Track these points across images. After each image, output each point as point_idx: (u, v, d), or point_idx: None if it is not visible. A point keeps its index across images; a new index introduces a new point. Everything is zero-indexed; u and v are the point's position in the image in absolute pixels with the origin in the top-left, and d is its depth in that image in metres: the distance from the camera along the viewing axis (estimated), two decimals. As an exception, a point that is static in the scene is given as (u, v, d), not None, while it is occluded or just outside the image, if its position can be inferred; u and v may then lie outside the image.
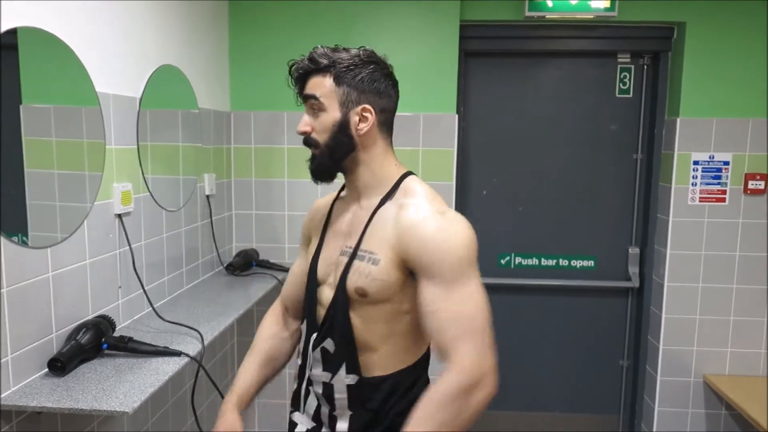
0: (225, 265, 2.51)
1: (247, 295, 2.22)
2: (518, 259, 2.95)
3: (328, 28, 2.63)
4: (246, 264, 2.53)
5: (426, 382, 1.24)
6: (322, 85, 1.15)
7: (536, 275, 2.95)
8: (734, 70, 2.55)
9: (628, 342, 2.98)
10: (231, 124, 2.71)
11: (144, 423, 1.98)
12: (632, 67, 2.79)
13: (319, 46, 1.18)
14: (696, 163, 2.61)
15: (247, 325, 2.85)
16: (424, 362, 1.25)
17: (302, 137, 1.20)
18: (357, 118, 1.15)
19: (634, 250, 2.90)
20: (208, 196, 2.43)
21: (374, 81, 1.15)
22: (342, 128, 1.15)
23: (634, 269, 2.90)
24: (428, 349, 1.26)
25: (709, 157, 2.61)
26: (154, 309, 1.85)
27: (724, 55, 2.54)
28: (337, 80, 1.14)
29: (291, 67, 1.21)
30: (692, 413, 2.77)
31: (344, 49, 1.17)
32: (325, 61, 1.15)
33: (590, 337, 2.99)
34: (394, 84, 1.19)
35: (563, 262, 2.95)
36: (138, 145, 1.85)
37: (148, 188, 1.93)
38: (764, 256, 2.64)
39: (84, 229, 1.58)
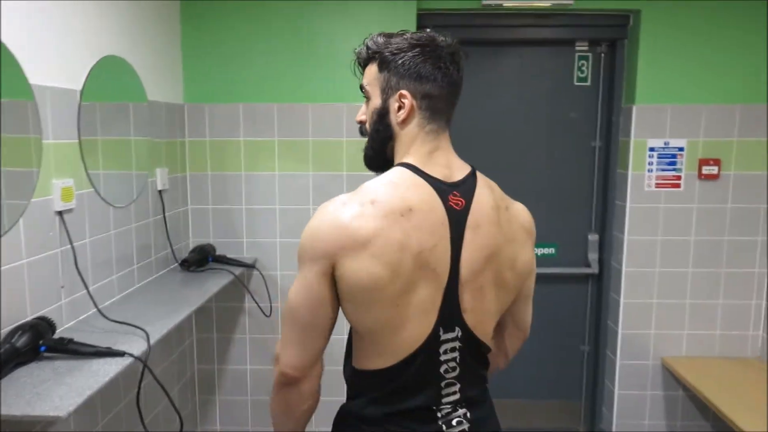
0: (180, 261, 2.46)
1: (201, 291, 2.17)
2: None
3: (284, 19, 2.58)
4: (202, 259, 2.48)
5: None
6: (368, 73, 1.13)
7: (498, 264, 2.95)
8: (688, 57, 2.57)
9: (589, 327, 3.02)
10: (185, 117, 2.64)
11: (94, 425, 1.92)
12: (590, 55, 2.80)
13: (375, 33, 1.12)
14: (652, 149, 2.64)
15: (206, 322, 2.80)
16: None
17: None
18: (396, 105, 1.09)
19: (593, 237, 2.93)
20: (160, 191, 2.37)
21: (416, 65, 1.05)
22: (381, 116, 1.12)
23: (593, 256, 2.93)
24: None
25: (664, 144, 2.63)
26: (98, 309, 1.79)
27: (678, 42, 2.56)
28: (380, 66, 1.10)
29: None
30: (651, 395, 2.82)
31: (399, 33, 1.10)
32: (373, 48, 1.11)
33: (551, 323, 3.01)
34: (443, 66, 1.06)
35: (525, 251, 2.95)
36: (80, 139, 1.79)
37: (92, 184, 1.86)
38: (718, 240, 2.68)
39: (19, 227, 1.52)
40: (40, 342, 1.48)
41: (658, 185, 2.66)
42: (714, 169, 2.61)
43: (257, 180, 2.67)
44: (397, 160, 1.12)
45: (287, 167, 2.65)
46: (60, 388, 1.33)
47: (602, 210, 2.90)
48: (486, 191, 1.11)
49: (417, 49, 1.06)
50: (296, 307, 1.07)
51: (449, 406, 1.11)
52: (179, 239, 2.60)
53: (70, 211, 1.74)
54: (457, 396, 1.12)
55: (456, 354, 1.09)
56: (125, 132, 2.11)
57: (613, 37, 2.72)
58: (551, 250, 2.96)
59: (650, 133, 2.63)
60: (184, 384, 2.72)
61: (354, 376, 1.15)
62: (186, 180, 2.67)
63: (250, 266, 2.60)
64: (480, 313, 1.10)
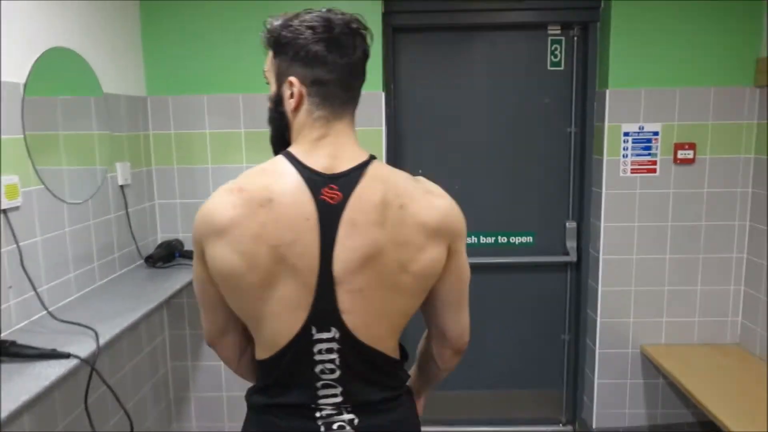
0: (145, 257, 2.41)
1: (164, 287, 2.12)
2: (457, 238, 2.90)
3: (247, 6, 2.50)
4: (168, 255, 2.44)
5: None
6: (268, 59, 1.07)
7: (475, 254, 2.91)
8: (661, 39, 2.51)
9: (569, 316, 2.98)
10: (148, 110, 2.58)
11: (53, 426, 1.88)
12: (563, 39, 2.74)
13: (275, 16, 1.04)
14: (626, 134, 2.59)
15: (178, 318, 2.76)
16: None
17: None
18: (288, 93, 1.03)
19: (571, 225, 2.88)
20: (122, 186, 2.31)
21: (306, 48, 0.99)
22: (276, 104, 1.07)
23: (571, 243, 2.88)
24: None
25: (639, 128, 2.58)
26: (47, 309, 1.74)
27: (650, 24, 2.50)
28: (275, 52, 1.04)
29: None
30: (630, 384, 2.79)
31: (297, 14, 1.02)
32: (268, 32, 1.04)
33: (531, 313, 2.98)
34: (336, 48, 0.99)
35: (502, 239, 2.92)
36: (25, 134, 1.73)
37: (41, 180, 1.81)
38: (695, 225, 2.64)
39: (-43, 227, 1.47)
40: (-20, 346, 1.43)
41: (633, 171, 2.61)
42: (689, 153, 2.57)
43: (225, 173, 2.61)
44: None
45: (255, 159, 2.59)
46: (-5, 394, 1.28)
47: (579, 197, 2.86)
48: (375, 185, 0.99)
49: (309, 32, 0.99)
50: (194, 285, 1.14)
51: (330, 408, 1.06)
52: (146, 235, 2.55)
53: (15, 209, 1.68)
54: (338, 399, 1.06)
55: (334, 356, 1.02)
56: (78, 126, 2.05)
57: (586, 20, 2.66)
58: (529, 239, 2.92)
59: (624, 117, 2.58)
60: (158, 380, 2.67)
61: (255, 364, 1.14)
62: (152, 174, 2.61)
63: (219, 261, 2.55)
64: (363, 315, 1.01)
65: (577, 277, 2.93)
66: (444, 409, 3.02)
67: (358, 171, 1.00)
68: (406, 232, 0.99)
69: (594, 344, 2.79)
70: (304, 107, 1.03)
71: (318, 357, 1.02)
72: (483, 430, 3.04)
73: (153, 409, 2.61)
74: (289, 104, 1.03)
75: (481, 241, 2.92)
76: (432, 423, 2.98)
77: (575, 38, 2.73)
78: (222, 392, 2.82)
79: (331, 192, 0.98)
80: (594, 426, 2.83)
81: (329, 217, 0.97)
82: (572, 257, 2.87)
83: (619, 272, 2.69)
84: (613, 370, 2.79)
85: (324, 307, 0.99)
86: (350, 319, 1.00)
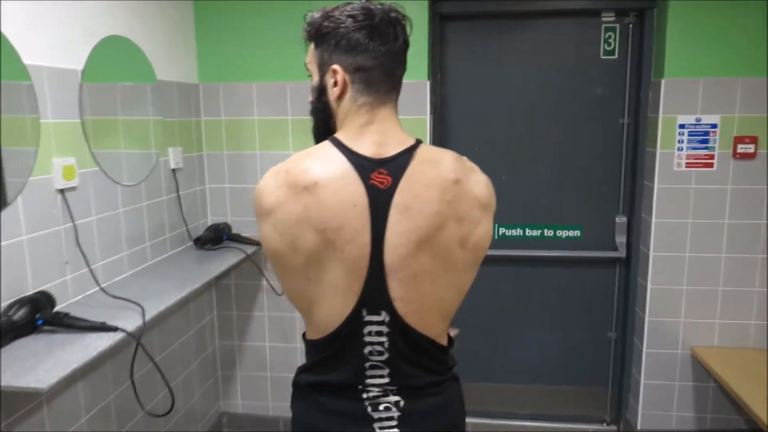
0: (194, 239, 2.50)
1: (211, 269, 2.20)
2: (502, 230, 2.87)
3: (296, -5, 2.54)
4: (216, 238, 2.52)
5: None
6: (309, 51, 1.11)
7: (521, 246, 2.87)
8: (722, 26, 2.38)
9: (616, 314, 2.90)
10: (199, 97, 2.66)
11: (106, 396, 1.99)
12: (617, 26, 2.64)
13: (315, 10, 1.08)
14: (682, 126, 2.48)
15: (226, 299, 2.85)
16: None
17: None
18: (332, 81, 1.05)
19: (621, 219, 2.79)
20: (174, 170, 2.41)
21: (347, 37, 1.02)
22: (319, 94, 1.09)
23: (621, 239, 2.80)
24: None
25: (696, 120, 2.47)
26: (99, 285, 1.84)
27: (710, 10, 2.37)
28: (316, 43, 1.08)
29: None
30: (679, 386, 2.69)
31: (338, 7, 1.05)
32: (309, 25, 1.08)
33: (578, 308, 2.91)
34: (377, 36, 1.02)
35: (548, 233, 2.86)
36: (82, 119, 1.83)
37: (97, 163, 1.90)
38: (755, 223, 2.50)
39: (18, 205, 1.57)
40: (37, 316, 1.53)
41: (688, 165, 2.50)
42: (750, 148, 2.43)
43: (272, 158, 2.67)
44: None
45: (301, 145, 2.62)
46: (48, 362, 1.37)
47: (631, 191, 2.76)
48: (425, 167, 1.01)
49: (350, 20, 1.02)
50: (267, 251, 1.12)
51: (377, 389, 1.07)
52: (197, 218, 2.64)
53: (72, 189, 1.78)
54: (385, 380, 1.06)
55: (383, 338, 1.04)
56: (133, 112, 2.15)
57: (642, 7, 2.55)
58: (576, 233, 2.85)
59: (681, 108, 2.46)
60: (206, 358, 2.78)
61: (304, 341, 1.16)
62: (202, 159, 2.70)
63: (264, 245, 2.61)
64: (415, 301, 1.02)
65: (626, 273, 2.84)
66: (487, 402, 3.01)
67: (407, 155, 1.02)
68: (465, 207, 1.02)
69: (641, 343, 2.70)
70: (348, 94, 1.05)
71: (367, 339, 1.04)
72: (525, 425, 3.00)
73: (201, 385, 2.72)
74: (333, 93, 1.06)
75: (527, 234, 2.87)
76: (475, 415, 2.97)
77: (630, 25, 2.63)
78: (267, 372, 2.90)
79: (380, 177, 0.99)
80: (639, 427, 2.75)
81: (379, 203, 0.98)
82: (621, 253, 2.79)
83: (670, 270, 2.59)
84: (660, 371, 2.69)
85: (374, 293, 1.01)
86: (401, 306, 1.02)
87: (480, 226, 1.05)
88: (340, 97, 1.06)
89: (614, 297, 2.89)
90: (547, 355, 2.96)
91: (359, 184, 0.99)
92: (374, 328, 1.03)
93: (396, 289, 1.01)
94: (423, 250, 1.00)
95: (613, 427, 2.97)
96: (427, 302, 1.04)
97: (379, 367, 1.06)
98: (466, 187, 1.03)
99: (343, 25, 1.02)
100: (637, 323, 2.77)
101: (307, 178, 0.99)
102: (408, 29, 1.07)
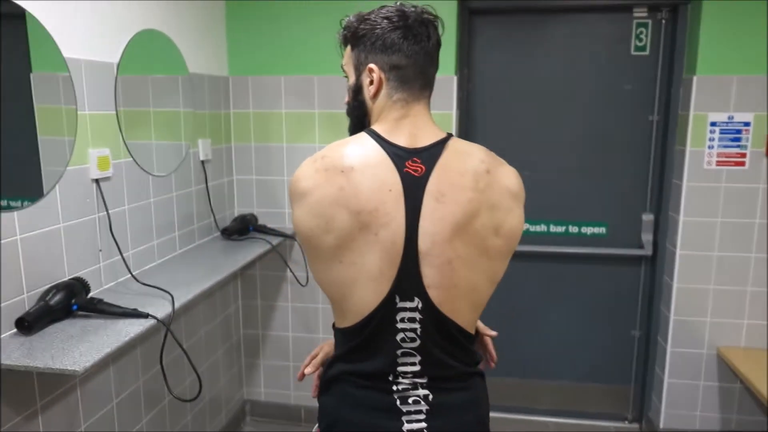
0: (221, 229, 2.55)
1: (237, 259, 2.24)
2: (526, 226, 2.87)
3: (325, -12, 2.56)
4: (243, 229, 2.56)
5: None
6: (346, 53, 1.16)
7: (545, 242, 2.87)
8: (757, 23, 2.33)
9: (641, 312, 2.87)
10: (229, 90, 2.70)
11: (135, 380, 2.05)
12: (649, 22, 2.61)
13: (352, 14, 1.13)
14: (713, 124, 2.44)
15: (251, 289, 2.90)
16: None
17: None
18: (368, 80, 1.11)
19: (647, 217, 2.76)
20: (203, 162, 2.45)
21: (382, 37, 1.07)
22: (356, 93, 1.14)
23: (647, 237, 2.77)
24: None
25: (728, 118, 2.42)
26: (130, 272, 1.89)
27: (746, 6, 2.33)
28: (353, 45, 1.13)
29: None
30: (704, 386, 2.67)
31: (373, 11, 1.11)
32: (346, 28, 1.14)
33: (602, 306, 2.90)
34: (410, 36, 1.07)
35: (573, 229, 2.85)
36: (117, 110, 1.87)
37: (130, 153, 1.95)
38: (787, 223, 2.46)
39: (56, 193, 1.62)
40: (72, 301, 1.58)
41: (719, 163, 2.46)
42: (784, 146, 2.39)
43: (299, 151, 2.70)
44: None
45: (327, 139, 2.66)
46: (83, 345, 1.42)
47: (659, 189, 2.73)
48: (457, 156, 1.05)
49: (385, 22, 1.07)
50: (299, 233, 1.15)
51: (407, 381, 1.08)
52: (224, 209, 2.69)
53: (107, 179, 1.83)
54: (416, 368, 1.08)
55: (416, 325, 1.05)
56: (165, 104, 2.19)
57: (675, 2, 2.51)
58: (602, 230, 2.83)
59: (712, 106, 2.43)
60: (230, 347, 2.84)
61: (334, 331, 1.17)
62: (231, 151, 2.75)
63: (289, 237, 2.65)
64: (449, 289, 1.04)
65: (652, 272, 2.81)
66: (510, 397, 3.02)
67: (440, 146, 1.06)
68: (496, 195, 1.05)
69: (666, 342, 2.68)
70: (384, 92, 1.10)
71: (400, 325, 1.06)
72: (547, 420, 3.01)
73: (225, 373, 2.78)
74: (369, 91, 1.11)
75: (551, 230, 2.86)
76: (498, 409, 2.99)
77: (663, 21, 2.59)
78: (290, 362, 2.95)
79: (414, 165, 1.03)
80: (661, 426, 2.73)
81: (414, 190, 1.01)
82: (647, 251, 2.76)
83: (696, 269, 2.56)
84: (685, 371, 2.67)
85: (408, 279, 1.03)
86: (434, 292, 1.04)
87: (512, 215, 1.07)
88: (376, 94, 1.10)
89: (639, 295, 2.87)
90: (570, 352, 2.95)
91: (394, 171, 1.02)
92: (407, 314, 1.05)
93: (430, 275, 1.03)
94: (458, 236, 1.02)
95: (635, 425, 2.96)
96: (460, 290, 1.05)
97: (411, 354, 1.08)
98: (496, 177, 1.06)
99: (378, 26, 1.07)
100: (662, 322, 2.74)
101: (343, 163, 1.03)
102: (440, 29, 1.12)
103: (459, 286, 1.05)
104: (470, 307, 1.09)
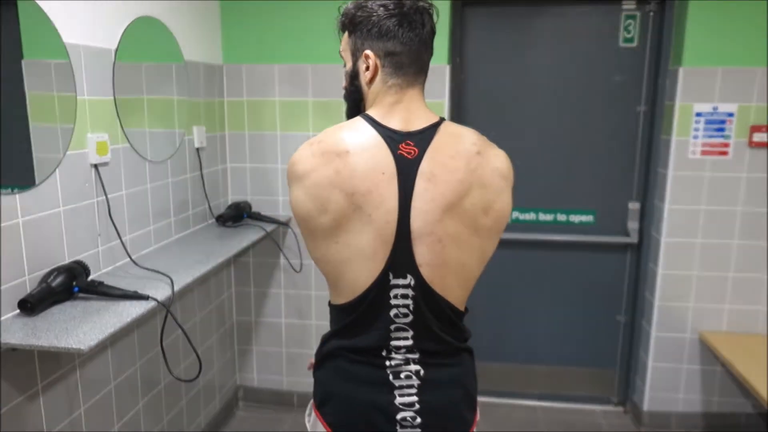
0: (216, 216, 2.57)
1: (231, 245, 2.27)
2: (515, 214, 2.92)
3: (319, -23, 2.58)
4: (237, 216, 2.59)
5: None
6: (343, 40, 1.19)
7: (534, 230, 2.92)
8: (742, 16, 2.40)
9: (627, 298, 2.95)
10: (223, 78, 2.72)
11: (132, 364, 2.08)
12: (637, 14, 2.66)
13: (350, 2, 1.16)
14: (698, 114, 2.51)
15: (244, 275, 2.93)
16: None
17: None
18: (364, 66, 1.14)
19: (634, 205, 2.83)
20: (198, 149, 2.47)
21: (378, 24, 1.10)
22: (352, 78, 1.18)
23: (633, 225, 2.84)
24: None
25: (713, 109, 2.49)
26: (129, 256, 1.92)
27: (731, 0, 2.39)
28: (350, 31, 1.16)
29: None
30: (687, 369, 2.75)
31: None
32: (344, 15, 1.16)
33: (588, 292, 2.97)
34: (406, 23, 1.10)
35: (561, 217, 2.91)
36: (115, 96, 1.89)
37: (127, 139, 1.97)
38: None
39: (56, 177, 1.64)
40: (73, 283, 1.61)
41: (703, 152, 2.53)
42: (766, 137, 2.46)
43: (293, 139, 2.73)
44: None
45: (320, 127, 2.67)
46: (86, 325, 1.45)
47: (645, 177, 2.80)
48: (449, 139, 1.09)
49: (381, 9, 1.10)
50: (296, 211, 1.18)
51: (400, 356, 1.13)
52: (218, 196, 2.71)
53: (105, 164, 1.85)
54: (409, 342, 1.13)
55: (409, 301, 1.10)
56: (161, 91, 2.21)
57: (663, -5, 2.57)
58: (590, 218, 2.89)
59: (698, 97, 2.49)
60: (223, 333, 2.87)
61: (329, 308, 1.21)
62: (225, 138, 2.77)
63: (283, 224, 2.69)
64: (440, 267, 1.09)
65: (637, 258, 2.89)
66: (498, 381, 3.08)
67: (432, 129, 1.10)
68: (487, 176, 1.09)
69: (650, 327, 2.76)
70: (379, 77, 1.12)
71: (393, 302, 1.10)
72: (535, 404, 3.08)
73: (219, 359, 2.81)
74: (365, 76, 1.14)
75: (540, 218, 2.92)
76: (486, 393, 3.06)
77: (651, 13, 2.65)
78: (282, 348, 2.99)
79: (407, 147, 1.07)
80: (645, 408, 2.82)
81: (407, 172, 1.05)
82: (633, 238, 2.83)
83: (680, 256, 2.64)
84: (668, 354, 2.75)
85: (401, 257, 1.07)
86: (426, 270, 1.08)
87: (502, 195, 1.11)
88: (372, 80, 1.14)
89: (624, 281, 2.94)
90: (557, 337, 3.02)
91: (388, 153, 1.06)
92: (400, 291, 1.10)
93: (422, 253, 1.07)
94: (449, 215, 1.06)
95: (620, 408, 3.04)
96: (450, 267, 1.10)
97: (404, 329, 1.13)
98: (487, 158, 1.10)
99: (375, 14, 1.10)
100: (646, 307, 2.82)
101: (339, 147, 1.07)
102: (435, 17, 1.15)
103: (449, 263, 1.09)
104: (460, 284, 1.14)
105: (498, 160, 1.12)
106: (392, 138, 1.07)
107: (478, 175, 1.08)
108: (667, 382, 2.78)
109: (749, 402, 2.73)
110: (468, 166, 1.07)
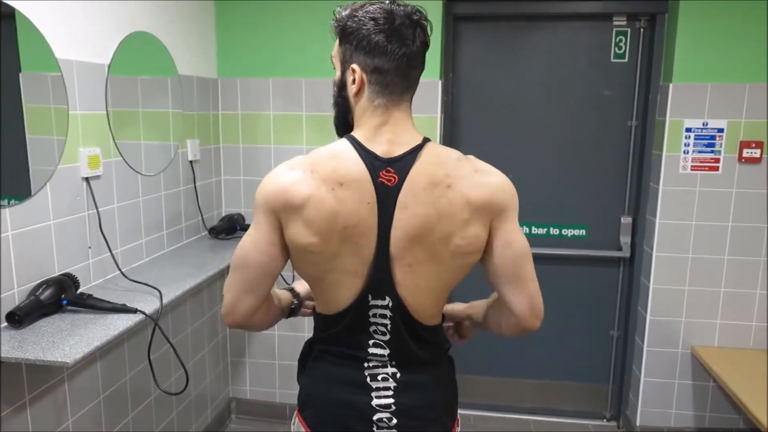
0: (209, 229, 2.58)
1: (224, 257, 2.28)
2: (509, 228, 2.92)
3: (313, -7, 2.62)
4: (230, 228, 2.60)
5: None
6: (335, 45, 1.16)
7: (526, 244, 2.93)
8: (732, 32, 2.42)
9: (619, 312, 2.95)
10: (218, 91, 2.75)
11: (122, 376, 2.08)
12: (628, 30, 2.69)
13: (344, 6, 1.12)
14: (689, 130, 2.52)
15: (238, 287, 2.93)
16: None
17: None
18: (351, 79, 1.11)
19: (626, 220, 2.84)
20: (191, 162, 2.49)
21: (368, 38, 1.06)
22: (339, 88, 1.16)
23: (625, 239, 2.85)
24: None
25: (703, 124, 2.51)
26: (119, 269, 1.93)
27: (721, 17, 2.42)
28: (341, 39, 1.12)
29: None
30: (679, 384, 2.75)
31: (363, 5, 1.10)
32: (336, 20, 1.12)
33: (581, 306, 2.97)
34: (396, 39, 1.06)
35: (554, 231, 2.92)
36: (108, 110, 1.91)
37: (120, 153, 1.99)
38: (758, 226, 2.55)
39: (47, 191, 1.66)
40: (62, 296, 1.62)
41: (694, 168, 2.54)
42: (756, 152, 2.47)
43: (287, 152, 2.74)
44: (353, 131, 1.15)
45: (315, 140, 2.71)
46: (72, 338, 1.46)
47: (637, 192, 2.81)
48: (426, 168, 1.07)
49: (371, 23, 1.06)
50: (248, 251, 1.13)
51: (377, 361, 1.16)
52: (211, 208, 2.73)
53: (97, 177, 1.87)
54: (385, 359, 1.16)
55: (387, 321, 1.13)
56: (154, 104, 2.23)
57: (653, 11, 2.59)
58: (582, 232, 2.90)
59: (688, 112, 2.51)
60: (216, 345, 2.87)
61: (315, 315, 1.25)
62: (219, 151, 2.79)
63: (276, 236, 2.69)
64: (412, 288, 1.11)
65: (630, 273, 2.89)
66: (490, 395, 3.08)
67: (413, 155, 1.08)
68: (453, 209, 1.06)
69: (642, 342, 2.76)
70: (365, 94, 1.10)
71: (372, 320, 1.14)
72: (527, 419, 3.07)
73: (211, 371, 2.81)
74: (351, 89, 1.11)
75: (533, 232, 2.93)
76: (478, 407, 3.05)
77: (642, 30, 2.67)
78: (275, 360, 2.99)
79: (388, 175, 1.06)
80: (638, 423, 2.81)
81: (386, 199, 1.06)
82: (625, 253, 2.84)
83: (672, 270, 2.65)
84: (661, 369, 2.75)
85: (380, 279, 1.10)
86: (402, 291, 1.11)
87: (468, 228, 1.08)
88: (357, 94, 1.11)
89: (617, 296, 2.94)
90: (549, 351, 3.02)
91: (371, 183, 1.06)
92: (379, 311, 1.13)
93: (398, 274, 1.10)
94: (416, 244, 1.08)
95: (613, 423, 3.03)
96: (422, 289, 1.12)
97: (381, 346, 1.15)
98: (456, 190, 1.07)
99: (365, 27, 1.06)
100: (639, 322, 2.82)
101: (333, 179, 1.05)
102: (429, 31, 1.12)
103: (419, 286, 1.12)
104: (432, 302, 1.16)
105: (473, 192, 1.07)
106: (374, 165, 1.06)
107: (442, 209, 1.06)
108: (660, 397, 2.77)
109: (741, 417, 2.72)
110: (435, 200, 1.06)
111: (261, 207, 1.10)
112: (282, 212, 1.07)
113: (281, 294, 1.35)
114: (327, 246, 1.07)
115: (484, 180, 1.10)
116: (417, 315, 1.14)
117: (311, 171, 1.06)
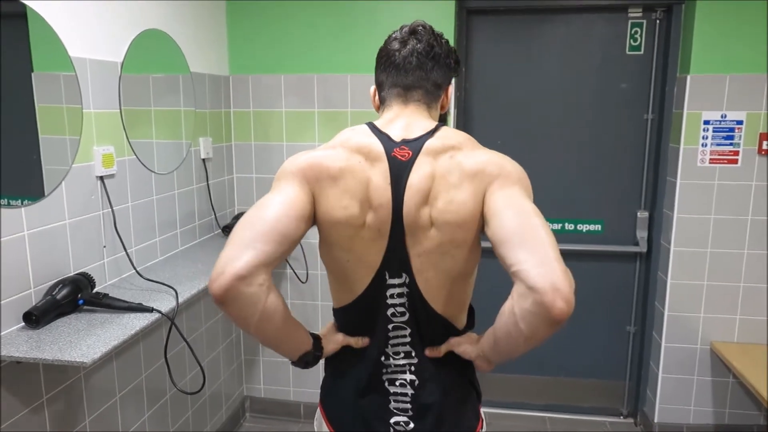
0: (222, 227, 2.57)
1: (238, 256, 2.26)
2: (523, 223, 2.89)
3: (324, -11, 2.59)
4: (243, 226, 2.59)
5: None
6: None
7: (541, 239, 2.89)
8: (750, 22, 2.38)
9: (636, 308, 2.92)
10: (230, 88, 2.73)
11: (138, 375, 2.08)
12: (644, 22, 2.65)
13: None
14: (707, 122, 2.48)
15: (251, 285, 2.92)
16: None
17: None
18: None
19: (642, 214, 2.81)
20: (204, 160, 2.48)
21: (384, 57, 1.19)
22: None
23: (642, 234, 2.81)
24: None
25: (721, 116, 2.47)
26: (134, 268, 1.92)
27: (739, 6, 2.37)
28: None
29: None
30: (698, 380, 2.71)
31: (394, 32, 1.22)
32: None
33: (597, 302, 2.94)
34: (398, 57, 1.16)
35: (569, 226, 2.89)
36: (121, 109, 1.90)
37: (133, 151, 1.98)
38: (779, 220, 2.51)
39: (62, 190, 1.65)
40: (78, 295, 1.61)
41: (712, 161, 2.50)
42: (776, 144, 2.43)
43: (299, 150, 2.71)
44: None
45: (327, 137, 2.68)
46: (90, 338, 1.45)
47: (653, 186, 2.77)
48: (438, 141, 1.11)
49: (394, 43, 1.18)
50: (262, 206, 1.05)
51: (398, 361, 1.19)
52: (224, 206, 2.72)
53: (111, 176, 1.86)
54: (407, 339, 1.18)
55: (404, 300, 1.15)
56: (167, 102, 2.22)
57: (670, 2, 2.55)
58: (597, 227, 2.87)
59: (706, 105, 2.47)
60: (230, 343, 2.87)
61: (333, 314, 1.27)
62: (231, 149, 2.77)
63: (290, 234, 2.68)
64: (425, 260, 1.11)
65: (647, 268, 2.85)
66: (506, 392, 3.05)
67: (427, 135, 1.12)
68: (445, 173, 1.09)
69: (660, 338, 2.72)
70: (385, 102, 1.21)
71: (390, 301, 1.15)
72: (543, 416, 3.04)
73: (225, 369, 2.81)
74: (373, 104, 1.26)
75: (548, 227, 2.89)
76: (492, 404, 3.02)
77: (657, 21, 2.63)
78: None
79: (402, 151, 1.10)
80: (656, 420, 2.77)
81: (400, 173, 1.09)
82: (642, 248, 2.80)
83: (690, 265, 2.61)
84: (679, 366, 2.71)
85: (395, 254, 1.11)
86: (415, 262, 1.12)
87: (457, 192, 1.07)
88: (377, 108, 1.25)
89: (634, 291, 2.91)
90: (565, 347, 2.99)
91: (384, 158, 1.10)
92: (396, 290, 1.14)
93: (411, 251, 1.11)
94: (423, 209, 1.09)
95: (630, 420, 3.00)
96: (433, 263, 1.12)
97: (402, 328, 1.18)
98: (457, 158, 1.09)
99: (387, 47, 1.19)
100: (656, 318, 2.79)
101: (361, 150, 1.10)
102: (433, 32, 1.19)
103: (429, 252, 1.11)
104: (440, 286, 1.15)
105: (471, 160, 1.08)
106: (389, 144, 1.11)
107: (438, 169, 1.09)
108: (678, 393, 2.73)
109: (762, 414, 2.68)
110: (436, 163, 1.09)
111: (290, 176, 1.10)
112: (316, 183, 1.09)
113: (303, 328, 1.18)
114: (361, 214, 1.09)
115: (482, 153, 1.12)
116: (428, 297, 1.15)
117: (340, 146, 1.12)
